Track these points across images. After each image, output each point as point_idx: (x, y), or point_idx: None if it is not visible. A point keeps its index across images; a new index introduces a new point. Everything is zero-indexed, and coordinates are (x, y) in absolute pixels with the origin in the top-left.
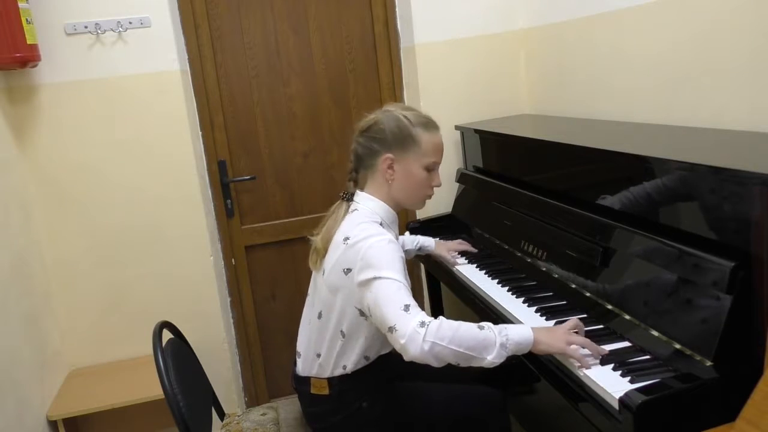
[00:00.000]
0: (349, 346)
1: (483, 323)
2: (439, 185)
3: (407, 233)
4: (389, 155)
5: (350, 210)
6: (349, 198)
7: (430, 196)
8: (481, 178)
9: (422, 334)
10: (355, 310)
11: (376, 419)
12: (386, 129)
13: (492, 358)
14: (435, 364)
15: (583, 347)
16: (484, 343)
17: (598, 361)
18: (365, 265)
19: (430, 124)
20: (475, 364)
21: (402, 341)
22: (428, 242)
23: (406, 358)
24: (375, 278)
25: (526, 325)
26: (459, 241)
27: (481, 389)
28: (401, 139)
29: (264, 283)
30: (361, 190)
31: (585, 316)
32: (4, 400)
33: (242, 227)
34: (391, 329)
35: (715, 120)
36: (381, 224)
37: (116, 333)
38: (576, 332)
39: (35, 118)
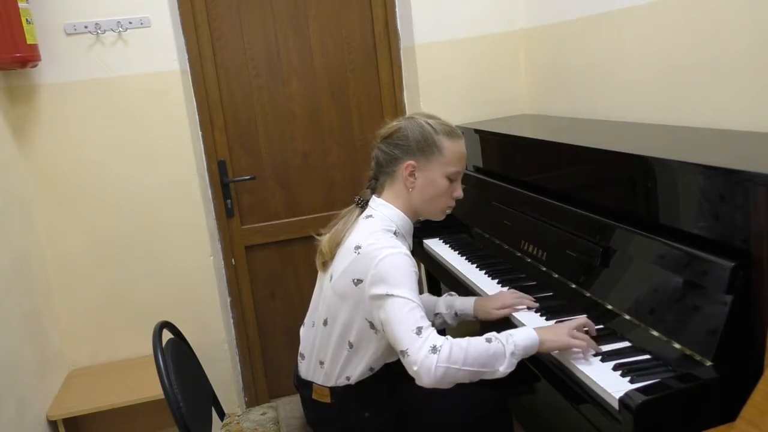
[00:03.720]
0: (355, 357)
1: (489, 335)
2: (460, 197)
3: (445, 296)
4: (411, 162)
5: (365, 216)
6: (364, 205)
7: (450, 208)
8: (480, 178)
9: (434, 360)
10: (365, 322)
11: (379, 428)
12: (410, 136)
13: (504, 368)
14: (447, 386)
15: (586, 343)
16: (495, 356)
17: (593, 354)
18: (378, 278)
19: (453, 133)
20: (488, 377)
21: (415, 368)
22: (466, 307)
23: (419, 383)
24: (388, 295)
25: (528, 327)
26: (517, 295)
27: (483, 392)
28: (425, 147)
29: (264, 282)
30: (378, 197)
31: (585, 316)
32: (4, 400)
33: (242, 227)
34: (403, 353)
35: (716, 120)
36: (395, 233)
37: (116, 333)
38: (586, 330)
39: (35, 118)
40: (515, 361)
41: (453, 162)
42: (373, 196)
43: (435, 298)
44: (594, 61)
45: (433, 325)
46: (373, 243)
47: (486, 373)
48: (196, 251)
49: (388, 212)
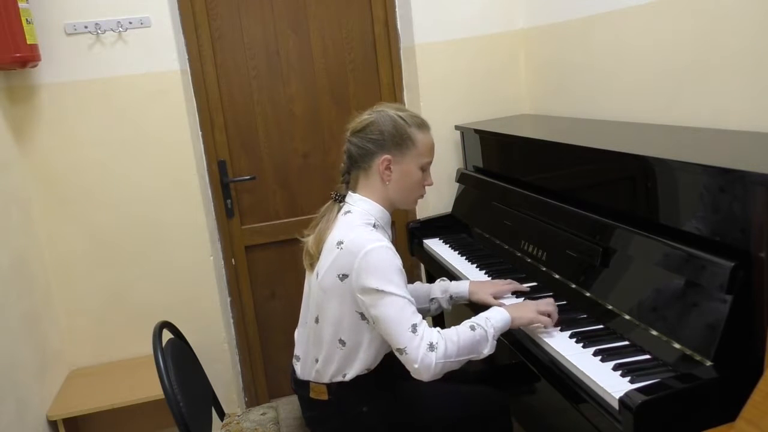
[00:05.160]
0: (350, 356)
1: (470, 322)
2: (431, 184)
3: (437, 281)
4: (387, 156)
5: (343, 212)
6: (341, 199)
7: (422, 196)
8: (481, 178)
9: (433, 357)
10: (355, 315)
11: (377, 423)
12: (384, 130)
13: (487, 350)
14: (440, 376)
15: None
16: (480, 342)
17: (558, 329)
18: (365, 273)
19: (424, 125)
20: (474, 359)
21: (415, 366)
22: (461, 289)
23: (417, 378)
24: (379, 291)
25: (500, 308)
26: (506, 282)
27: (484, 389)
28: (399, 141)
29: (264, 283)
30: (354, 191)
31: (585, 316)
32: (4, 400)
33: (242, 227)
34: (400, 351)
35: (716, 120)
36: (375, 226)
37: (116, 333)
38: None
39: (35, 118)
40: (495, 341)
41: (425, 153)
42: (349, 191)
43: (428, 285)
44: (594, 61)
45: (429, 311)
46: (355, 237)
47: (473, 357)
48: (196, 251)
49: (366, 206)
